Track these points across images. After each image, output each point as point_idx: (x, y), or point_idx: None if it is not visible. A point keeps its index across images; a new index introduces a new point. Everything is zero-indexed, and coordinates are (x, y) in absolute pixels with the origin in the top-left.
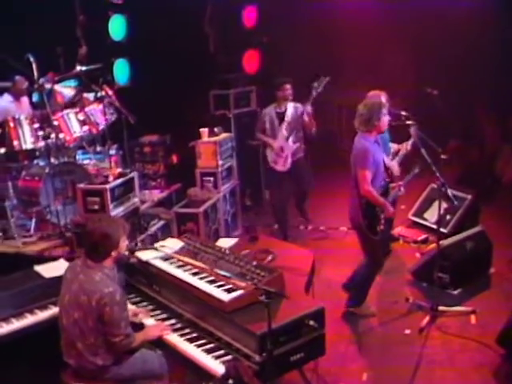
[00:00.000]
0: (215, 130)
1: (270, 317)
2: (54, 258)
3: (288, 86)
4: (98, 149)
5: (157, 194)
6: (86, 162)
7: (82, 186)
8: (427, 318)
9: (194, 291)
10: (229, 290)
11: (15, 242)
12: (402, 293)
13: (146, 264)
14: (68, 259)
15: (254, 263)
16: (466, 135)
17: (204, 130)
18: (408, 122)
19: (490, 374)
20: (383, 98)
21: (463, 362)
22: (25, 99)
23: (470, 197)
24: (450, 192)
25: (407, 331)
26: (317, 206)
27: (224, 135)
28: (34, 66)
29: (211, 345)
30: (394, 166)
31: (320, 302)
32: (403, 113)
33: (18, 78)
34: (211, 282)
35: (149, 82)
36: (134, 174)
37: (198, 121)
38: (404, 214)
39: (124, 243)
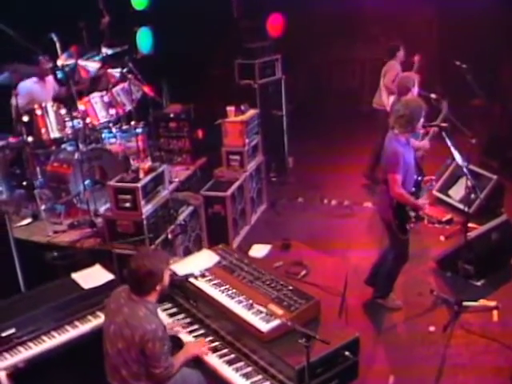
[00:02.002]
0: (242, 107)
1: (308, 357)
2: (87, 252)
3: None
4: (124, 127)
5: (183, 172)
6: (112, 140)
7: (113, 183)
8: (451, 316)
9: (231, 315)
10: (267, 319)
11: (46, 230)
12: (426, 283)
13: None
14: (100, 252)
15: (291, 287)
16: (488, 93)
17: (231, 109)
18: (442, 124)
19: (509, 378)
20: (415, 80)
21: (485, 365)
22: (50, 79)
23: (495, 177)
24: (479, 193)
25: (431, 328)
26: (338, 178)
27: (250, 112)
28: (57, 45)
29: (249, 368)
30: (426, 143)
31: (354, 331)
32: (433, 95)
33: (41, 58)
34: (248, 307)
35: (172, 50)
36: (164, 168)
37: (223, 90)
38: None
39: (167, 275)
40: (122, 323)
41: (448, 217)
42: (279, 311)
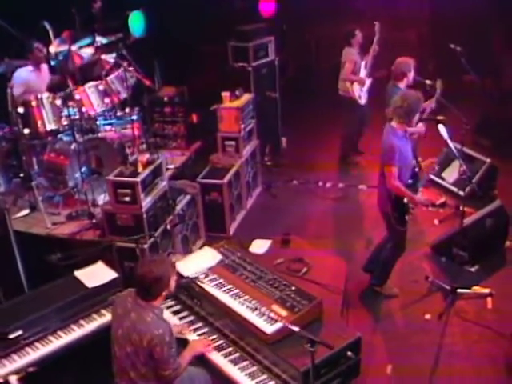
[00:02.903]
0: (236, 92)
1: (313, 361)
2: (90, 251)
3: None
4: (119, 113)
5: (178, 158)
6: (107, 128)
7: (112, 178)
8: (446, 303)
9: (235, 316)
10: (270, 321)
11: (44, 222)
12: (421, 269)
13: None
14: (103, 249)
15: (293, 288)
16: (480, 69)
17: (226, 94)
18: (439, 118)
19: (504, 367)
20: (412, 66)
21: (480, 354)
22: (44, 66)
23: (488, 160)
24: (472, 180)
25: (427, 316)
26: (331, 158)
27: (245, 97)
28: (50, 33)
29: (254, 368)
30: (421, 128)
31: (356, 331)
32: (428, 82)
33: (35, 45)
34: (253, 308)
35: (164, 32)
36: (162, 159)
37: (217, 72)
38: None
39: (173, 280)
40: (130, 328)
41: (442, 200)
42: (283, 312)
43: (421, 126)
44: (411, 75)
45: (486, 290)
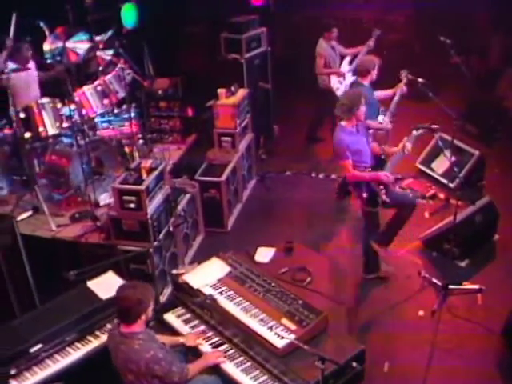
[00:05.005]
0: (232, 88)
1: (323, 376)
2: (93, 247)
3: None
4: (116, 111)
5: (175, 152)
6: (104, 125)
7: (117, 186)
8: (439, 300)
9: (246, 329)
10: (281, 335)
11: (48, 224)
12: (413, 264)
13: (198, 291)
14: (107, 247)
15: (301, 301)
16: (467, 48)
17: (222, 91)
18: (433, 126)
19: (494, 364)
20: (376, 64)
21: (471, 350)
22: (31, 65)
23: (477, 152)
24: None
25: (421, 313)
26: (324, 146)
27: (241, 93)
28: (46, 32)
29: (265, 377)
30: (387, 124)
31: (360, 345)
32: (420, 80)
33: (22, 45)
34: (263, 322)
35: (157, 24)
36: (164, 164)
37: (210, 64)
38: (411, 160)
39: (151, 307)
40: (125, 359)
41: (432, 192)
42: (292, 326)
43: (387, 122)
44: (375, 73)
45: (476, 286)
